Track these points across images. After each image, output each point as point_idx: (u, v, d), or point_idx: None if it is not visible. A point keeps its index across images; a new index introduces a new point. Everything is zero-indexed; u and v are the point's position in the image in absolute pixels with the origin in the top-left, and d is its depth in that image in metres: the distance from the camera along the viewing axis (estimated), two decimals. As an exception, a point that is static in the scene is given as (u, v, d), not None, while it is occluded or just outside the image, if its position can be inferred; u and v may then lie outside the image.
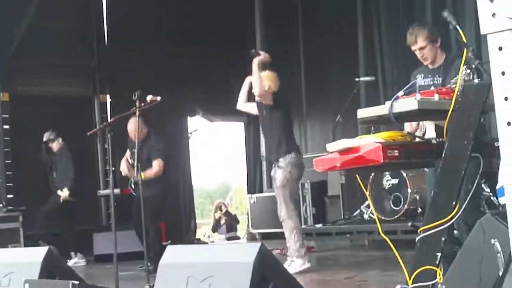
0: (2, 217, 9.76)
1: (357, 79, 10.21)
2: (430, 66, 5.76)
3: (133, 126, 8.44)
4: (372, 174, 9.11)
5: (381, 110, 4.26)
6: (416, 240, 4.15)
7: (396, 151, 4.12)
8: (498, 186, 3.50)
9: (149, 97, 7.13)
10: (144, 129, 8.84)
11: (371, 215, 9.77)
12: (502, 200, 3.59)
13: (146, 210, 8.73)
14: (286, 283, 4.51)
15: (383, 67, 12.09)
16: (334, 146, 4.29)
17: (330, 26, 13.09)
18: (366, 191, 8.63)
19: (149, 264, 6.84)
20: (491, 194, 8.47)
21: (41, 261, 5.60)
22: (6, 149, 11.24)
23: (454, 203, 4.02)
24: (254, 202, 12.89)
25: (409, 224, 4.74)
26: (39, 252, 5.72)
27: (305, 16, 13.75)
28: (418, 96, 4.12)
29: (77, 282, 5.03)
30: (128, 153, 8.79)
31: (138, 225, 8.89)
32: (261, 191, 14.01)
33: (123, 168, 8.71)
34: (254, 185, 14.53)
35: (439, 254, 4.01)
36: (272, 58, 14.39)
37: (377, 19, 12.19)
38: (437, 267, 3.99)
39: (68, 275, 5.70)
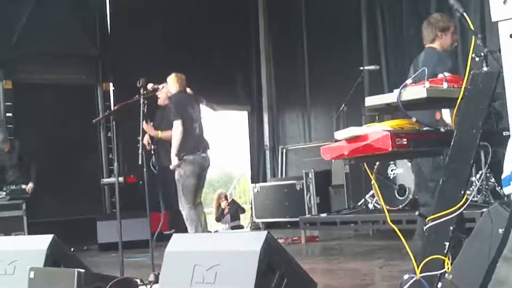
0: (5, 205, 9.75)
1: (361, 68, 10.15)
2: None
3: (163, 94, 8.86)
4: (377, 163, 9.09)
5: (389, 98, 4.23)
6: (424, 229, 4.13)
7: (405, 139, 4.09)
8: (503, 176, 3.47)
9: (150, 85, 7.14)
10: (169, 94, 9.13)
11: (375, 204, 9.75)
12: (506, 190, 3.56)
13: (170, 183, 8.97)
14: (292, 272, 4.50)
15: (386, 56, 12.06)
16: (342, 134, 4.25)
17: (334, 15, 13.06)
18: (372, 180, 8.60)
19: None
20: (496, 184, 8.47)
21: (46, 249, 5.60)
22: (9, 137, 11.20)
23: (462, 192, 3.99)
24: (257, 191, 12.88)
25: (417, 213, 4.71)
26: (44, 240, 5.71)
27: (309, 5, 13.70)
28: (427, 84, 4.09)
29: (82, 270, 5.01)
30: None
31: (168, 204, 9.10)
32: (264, 180, 14.01)
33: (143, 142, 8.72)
34: (257, 175, 14.52)
35: (447, 243, 3.98)
36: (275, 47, 14.47)
37: (381, 8, 12.15)
38: (445, 256, 3.97)
39: (74, 263, 5.69)
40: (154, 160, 7.59)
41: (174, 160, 8.31)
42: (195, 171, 8.35)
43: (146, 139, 8.56)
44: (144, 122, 7.38)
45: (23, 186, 10.50)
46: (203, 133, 8.65)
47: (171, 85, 8.61)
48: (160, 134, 9.03)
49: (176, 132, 8.32)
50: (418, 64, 5.93)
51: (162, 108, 9.38)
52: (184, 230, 8.37)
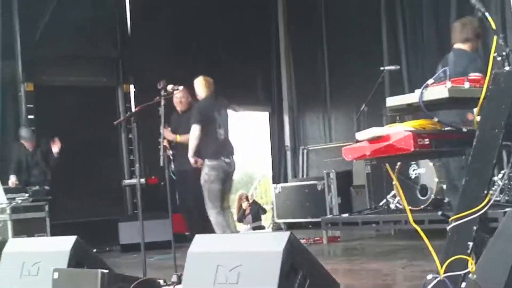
0: (28, 207, 9.79)
1: (381, 68, 10.13)
2: None
3: (181, 93, 9.09)
4: (398, 164, 9.06)
5: (410, 98, 4.22)
6: (447, 229, 4.11)
7: (427, 139, 4.08)
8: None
9: (169, 87, 7.14)
10: (189, 98, 9.46)
11: (397, 204, 9.72)
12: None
13: (187, 185, 8.98)
14: (315, 272, 4.50)
15: (407, 56, 12.01)
16: (364, 134, 4.25)
17: (353, 16, 13.04)
18: (394, 180, 8.58)
19: None
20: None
21: (69, 250, 5.63)
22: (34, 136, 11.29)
23: (485, 191, 3.98)
24: (279, 192, 12.88)
25: (439, 213, 4.69)
26: (68, 241, 5.74)
27: (329, 7, 13.68)
28: (449, 84, 4.08)
29: (106, 271, 5.04)
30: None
31: (184, 208, 9.11)
32: (285, 180, 14.01)
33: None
34: (278, 175, 14.52)
35: (470, 243, 3.97)
36: (295, 48, 14.47)
37: (401, 7, 12.11)
38: (469, 256, 3.95)
39: (97, 264, 5.72)
40: (173, 165, 7.54)
41: (191, 159, 8.41)
42: (219, 176, 8.34)
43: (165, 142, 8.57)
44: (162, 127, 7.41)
45: (46, 187, 10.56)
46: (228, 138, 8.62)
47: (199, 89, 8.65)
48: (179, 138, 9.09)
49: (192, 136, 8.38)
50: (448, 64, 5.92)
51: (179, 113, 9.45)
52: (204, 231, 8.37)
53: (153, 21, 13.01)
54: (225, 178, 8.45)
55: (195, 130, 8.36)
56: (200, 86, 8.65)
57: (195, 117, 8.44)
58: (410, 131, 4.07)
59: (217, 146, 8.41)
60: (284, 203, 12.77)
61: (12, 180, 10.49)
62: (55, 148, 10.70)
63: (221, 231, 8.19)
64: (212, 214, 8.33)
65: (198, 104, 8.65)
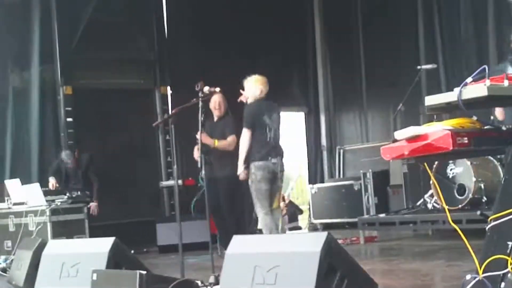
0: (67, 209, 9.87)
1: (418, 67, 10.07)
2: None
3: (219, 98, 9.08)
4: (436, 163, 9.00)
5: (449, 97, 4.17)
6: (486, 229, 4.08)
7: (466, 138, 4.04)
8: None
9: (206, 88, 7.14)
10: (226, 103, 9.30)
11: (435, 204, 9.64)
12: None
13: (222, 192, 8.91)
14: (353, 272, 4.49)
15: (444, 54, 11.92)
16: (402, 134, 4.23)
17: (389, 15, 12.97)
18: (432, 180, 8.52)
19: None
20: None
21: (108, 252, 5.68)
22: (69, 142, 11.39)
23: (525, 190, 3.94)
24: (315, 192, 12.86)
25: (478, 213, 4.65)
26: (106, 243, 5.79)
27: (364, 6, 13.63)
28: (488, 82, 4.04)
29: (144, 272, 5.07)
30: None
31: (217, 214, 9.08)
32: (322, 181, 13.98)
33: (196, 150, 8.63)
34: (315, 175, 14.49)
35: (510, 243, 3.93)
36: (332, 48, 14.43)
37: (438, 6, 12.02)
38: (508, 256, 3.92)
39: (135, 265, 5.76)
40: (203, 171, 7.36)
41: (240, 168, 8.16)
42: (265, 176, 8.06)
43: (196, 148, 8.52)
44: (199, 132, 7.41)
45: (87, 192, 10.66)
46: (278, 141, 8.34)
47: (254, 88, 8.29)
48: (216, 143, 8.97)
49: (243, 140, 8.14)
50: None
51: (213, 120, 9.35)
52: (242, 232, 8.33)
53: (190, 23, 13.08)
54: (272, 179, 8.16)
55: (246, 134, 8.11)
56: (256, 85, 8.30)
57: (246, 121, 8.14)
58: (448, 129, 4.04)
59: (265, 149, 8.13)
60: (321, 203, 12.75)
61: (52, 182, 10.60)
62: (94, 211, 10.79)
63: (268, 233, 8.01)
64: (260, 215, 8.13)
65: (248, 107, 8.28)
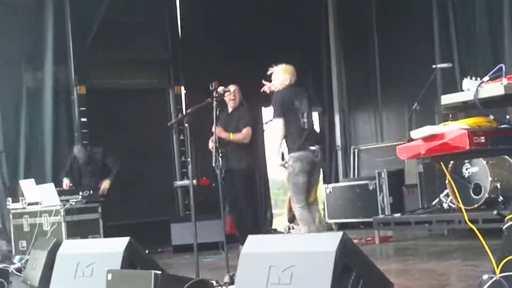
0: (82, 208, 9.88)
1: (434, 66, 10.02)
2: None
3: (236, 100, 9.23)
4: (451, 162, 8.95)
5: (466, 96, 4.15)
6: (503, 228, 4.05)
7: (483, 137, 4.02)
8: None
9: (220, 88, 7.13)
10: (241, 96, 9.39)
11: (450, 204, 9.60)
12: None
13: (238, 185, 8.91)
14: (368, 272, 4.46)
15: (459, 53, 11.85)
16: (418, 133, 4.21)
17: (404, 14, 12.91)
18: (448, 179, 8.48)
19: None
20: None
21: (122, 251, 5.68)
22: (84, 142, 11.40)
23: (543, 190, 3.91)
24: (330, 192, 12.83)
25: (495, 212, 4.63)
26: (121, 243, 5.79)
27: (379, 5, 13.58)
28: (505, 80, 4.01)
29: (159, 272, 5.06)
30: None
31: (234, 209, 9.11)
32: (336, 180, 13.93)
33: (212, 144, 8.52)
34: (329, 175, 14.43)
35: (527, 243, 3.91)
36: (346, 47, 14.37)
37: (452, 3, 11.96)
38: (526, 256, 3.89)
39: (150, 265, 5.75)
40: (220, 164, 7.27)
41: (278, 161, 7.85)
42: (303, 168, 7.72)
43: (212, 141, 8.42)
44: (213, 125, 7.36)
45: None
46: (313, 126, 8.04)
47: (282, 77, 8.06)
48: (231, 136, 9.05)
49: (276, 131, 7.80)
50: None
51: (228, 113, 9.39)
52: (257, 232, 8.28)
53: (204, 23, 13.07)
54: (311, 170, 7.82)
55: (279, 124, 7.75)
56: (284, 74, 8.10)
57: (276, 111, 7.82)
58: (465, 129, 4.02)
59: (301, 137, 7.74)
60: (335, 203, 12.72)
61: (66, 182, 10.61)
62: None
63: (306, 227, 7.73)
64: (297, 209, 7.82)
65: (276, 96, 7.94)
